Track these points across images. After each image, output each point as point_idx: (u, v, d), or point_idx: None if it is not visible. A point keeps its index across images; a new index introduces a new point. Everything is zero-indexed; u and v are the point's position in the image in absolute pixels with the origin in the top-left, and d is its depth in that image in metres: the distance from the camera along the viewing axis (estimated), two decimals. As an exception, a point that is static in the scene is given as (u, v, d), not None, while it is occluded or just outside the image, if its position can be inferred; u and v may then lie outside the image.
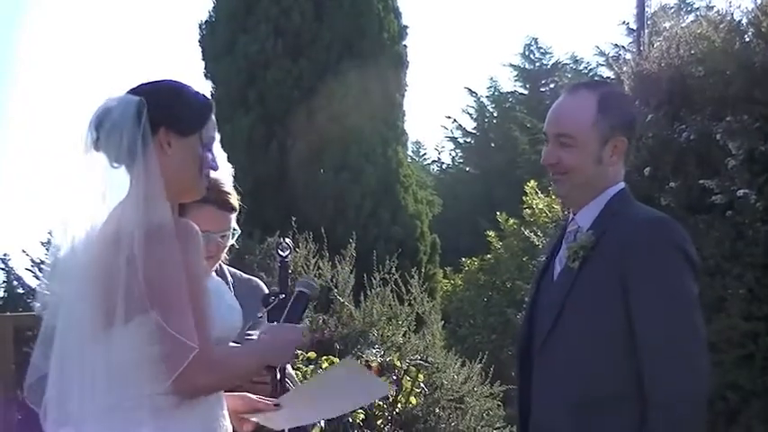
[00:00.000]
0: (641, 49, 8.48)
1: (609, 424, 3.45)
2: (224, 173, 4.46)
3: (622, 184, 3.68)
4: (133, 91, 3.22)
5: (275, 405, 3.57)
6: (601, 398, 3.46)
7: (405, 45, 15.14)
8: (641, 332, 3.40)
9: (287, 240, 3.93)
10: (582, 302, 3.51)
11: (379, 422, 8.53)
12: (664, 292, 3.41)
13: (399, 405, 8.64)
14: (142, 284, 2.96)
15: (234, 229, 4.29)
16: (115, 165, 3.15)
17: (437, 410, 9.41)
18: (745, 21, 7.45)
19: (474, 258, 19.54)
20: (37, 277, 19.20)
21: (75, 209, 3.14)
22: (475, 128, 32.48)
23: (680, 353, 3.37)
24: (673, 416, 3.34)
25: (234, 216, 4.34)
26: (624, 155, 3.66)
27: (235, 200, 4.34)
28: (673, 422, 3.34)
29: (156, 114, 3.15)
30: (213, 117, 3.34)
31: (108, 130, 3.13)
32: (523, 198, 17.10)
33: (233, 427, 3.45)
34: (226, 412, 3.30)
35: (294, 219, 10.13)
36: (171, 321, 2.96)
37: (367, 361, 8.50)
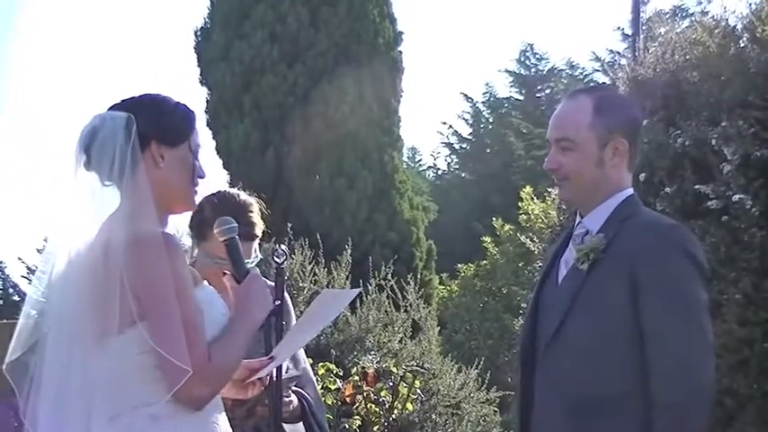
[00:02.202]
0: (636, 54, 8.50)
1: (612, 426, 3.46)
2: (251, 199, 4.46)
3: (631, 190, 3.70)
4: (117, 107, 3.21)
5: (270, 358, 3.58)
6: (605, 400, 3.46)
7: (400, 51, 15.16)
8: (649, 336, 3.41)
9: (282, 247, 3.93)
10: (589, 304, 3.52)
11: (375, 428, 8.54)
12: (672, 297, 3.43)
13: (396, 411, 8.64)
14: (130, 297, 2.96)
15: (256, 255, 4.31)
16: (107, 183, 3.15)
17: (433, 417, 9.42)
18: (739, 26, 7.44)
19: (470, 264, 19.57)
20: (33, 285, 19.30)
21: (68, 226, 3.13)
22: (470, 133, 32.52)
23: (686, 357, 3.38)
24: (677, 419, 3.35)
25: (256, 242, 4.35)
26: (628, 157, 3.66)
27: (259, 228, 4.35)
28: (677, 425, 3.35)
29: (144, 129, 3.15)
30: (196, 125, 3.34)
31: (98, 150, 3.13)
32: (519, 204, 17.10)
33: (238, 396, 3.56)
34: (223, 415, 3.30)
35: (290, 225, 10.12)
36: (161, 340, 2.96)
37: (363, 367, 8.51)
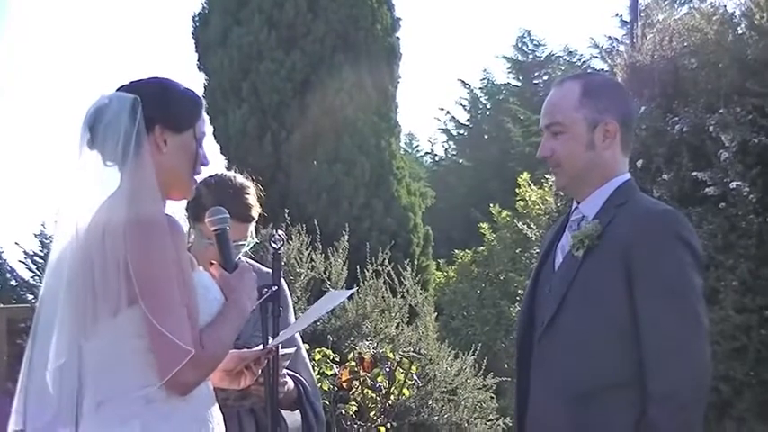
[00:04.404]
0: (634, 41, 8.48)
1: (609, 414, 3.45)
2: (248, 182, 4.46)
3: (627, 176, 3.70)
4: (125, 88, 3.22)
5: (263, 349, 3.63)
6: (601, 387, 3.46)
7: (398, 37, 15.11)
8: (644, 325, 3.41)
9: (280, 232, 3.92)
10: (585, 292, 3.51)
11: (371, 414, 8.54)
12: (667, 285, 3.42)
13: (392, 397, 8.64)
14: (132, 278, 2.96)
15: (251, 237, 4.32)
16: (109, 163, 3.16)
17: (430, 402, 9.44)
18: (738, 13, 7.46)
19: (467, 250, 19.55)
20: (30, 269, 19.27)
21: (69, 206, 3.15)
22: (468, 120, 32.43)
23: (681, 345, 3.38)
24: (673, 407, 3.35)
25: (252, 225, 4.35)
26: (620, 140, 3.66)
27: (255, 211, 4.35)
28: (673, 413, 3.35)
29: (150, 112, 3.15)
30: (204, 113, 3.34)
31: (103, 129, 3.14)
32: (517, 190, 17.08)
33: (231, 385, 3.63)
34: (216, 406, 3.30)
35: (287, 211, 10.12)
36: (163, 319, 2.97)
37: (360, 353, 8.51)
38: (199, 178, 3.39)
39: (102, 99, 3.19)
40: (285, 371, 4.21)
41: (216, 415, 3.27)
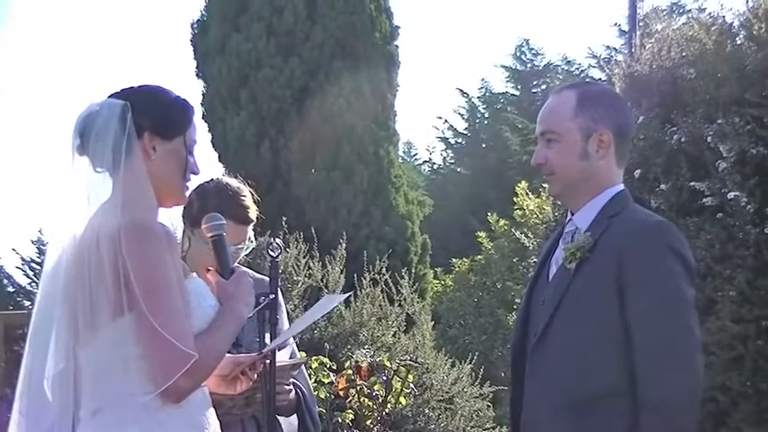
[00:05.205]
0: (633, 50, 8.49)
1: (601, 424, 3.45)
2: (244, 185, 4.47)
3: (621, 186, 3.70)
4: (116, 95, 3.22)
5: (259, 354, 3.63)
6: (593, 398, 3.46)
7: (396, 45, 15.15)
8: (636, 335, 3.41)
9: (277, 240, 3.92)
10: (577, 303, 3.51)
11: (368, 422, 8.53)
12: (659, 295, 3.42)
13: (389, 405, 8.63)
14: (132, 283, 2.95)
15: (250, 240, 4.32)
16: (99, 169, 3.15)
17: (427, 411, 9.42)
18: (736, 23, 7.46)
19: (464, 259, 19.56)
20: (27, 275, 19.25)
21: (61, 213, 3.14)
22: (466, 128, 32.48)
23: (674, 355, 3.38)
24: (665, 417, 3.34)
25: (250, 227, 4.34)
26: (615, 150, 3.66)
27: (253, 213, 4.35)
28: (665, 422, 3.35)
29: (140, 119, 3.15)
30: (194, 121, 3.34)
31: (93, 136, 3.14)
32: (514, 199, 17.10)
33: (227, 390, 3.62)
34: (211, 410, 3.30)
35: (285, 218, 10.11)
36: (165, 323, 2.96)
37: (357, 361, 8.51)
38: (192, 185, 3.39)
39: (92, 106, 3.19)
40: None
41: (212, 420, 3.27)
